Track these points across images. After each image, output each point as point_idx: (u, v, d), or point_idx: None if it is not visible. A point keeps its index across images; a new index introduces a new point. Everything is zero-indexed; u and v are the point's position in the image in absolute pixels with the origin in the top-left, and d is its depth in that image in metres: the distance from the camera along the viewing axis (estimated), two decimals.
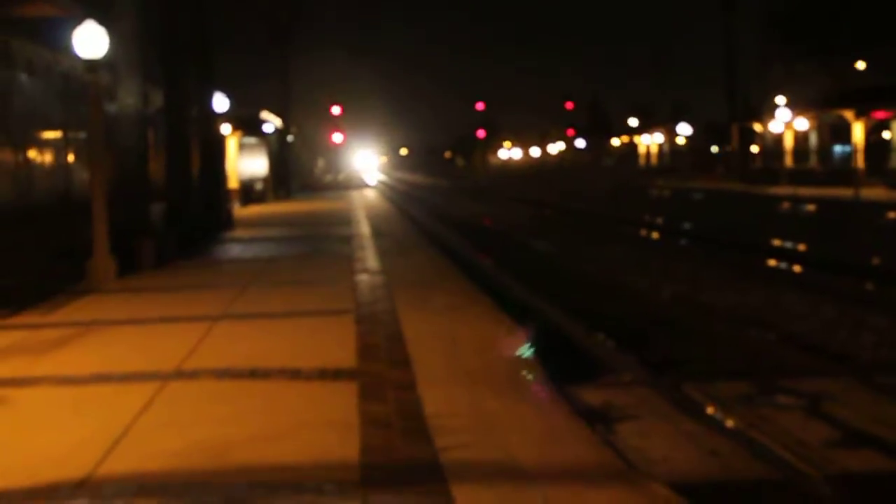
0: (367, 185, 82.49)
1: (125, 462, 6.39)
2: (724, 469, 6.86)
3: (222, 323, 11.66)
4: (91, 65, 15.84)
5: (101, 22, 15.90)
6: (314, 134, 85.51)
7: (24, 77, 20.84)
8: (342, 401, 7.85)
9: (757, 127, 65.18)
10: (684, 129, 78.65)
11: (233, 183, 37.74)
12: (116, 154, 19.22)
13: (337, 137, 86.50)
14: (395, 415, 7.45)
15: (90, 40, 15.66)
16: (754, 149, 69.77)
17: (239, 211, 35.22)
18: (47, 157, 21.93)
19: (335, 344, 10.19)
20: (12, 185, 19.26)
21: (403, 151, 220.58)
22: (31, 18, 19.97)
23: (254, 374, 8.87)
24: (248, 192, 43.10)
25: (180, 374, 8.88)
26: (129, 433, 7.03)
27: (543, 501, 5.69)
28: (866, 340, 11.99)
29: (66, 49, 17.70)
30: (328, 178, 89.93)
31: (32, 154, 21.08)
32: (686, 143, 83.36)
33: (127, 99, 18.86)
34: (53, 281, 15.32)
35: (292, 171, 57.57)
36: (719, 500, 5.96)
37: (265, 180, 46.38)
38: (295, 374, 8.82)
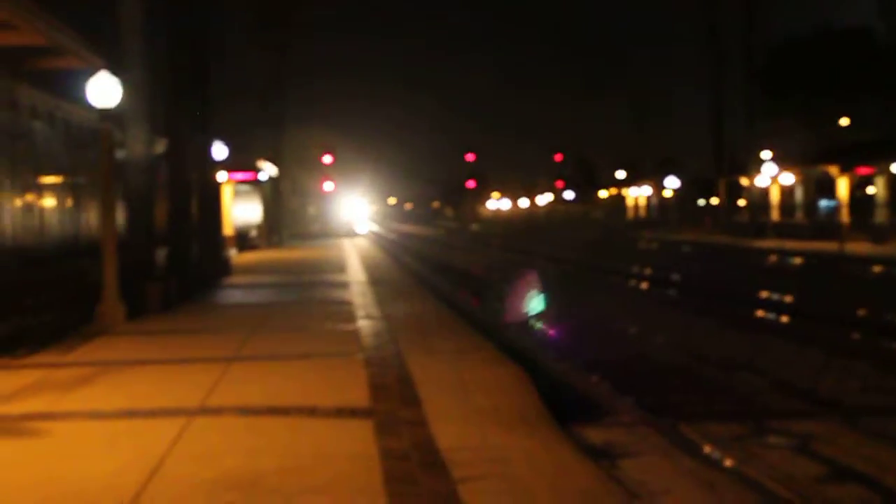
0: (357, 234, 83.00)
1: (164, 489, 6.86)
2: (721, 500, 7.36)
3: (236, 364, 12.14)
4: (104, 114, 16.37)
5: (113, 72, 16.47)
6: (305, 181, 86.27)
7: (38, 126, 21.44)
8: (360, 436, 8.33)
9: (743, 181, 66.10)
10: (672, 182, 79.56)
11: (228, 230, 38.26)
12: (124, 200, 19.79)
13: (328, 185, 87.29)
14: (412, 449, 7.94)
15: (104, 90, 16.18)
16: (741, 202, 70.74)
17: (236, 257, 35.73)
18: (56, 203, 22.48)
19: (347, 385, 10.68)
20: (24, 230, 19.78)
21: (392, 200, 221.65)
22: (47, 70, 20.58)
23: (273, 411, 9.35)
24: (244, 238, 43.67)
25: (204, 411, 9.35)
26: (165, 463, 7.50)
27: None
28: (852, 386, 12.51)
29: (78, 99, 18.30)
30: (318, 226, 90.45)
31: (43, 200, 21.64)
32: (673, 196, 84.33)
33: (135, 146, 19.48)
34: (66, 323, 15.77)
35: (284, 218, 58.19)
36: None
37: (259, 227, 46.96)
38: (312, 412, 9.31)
